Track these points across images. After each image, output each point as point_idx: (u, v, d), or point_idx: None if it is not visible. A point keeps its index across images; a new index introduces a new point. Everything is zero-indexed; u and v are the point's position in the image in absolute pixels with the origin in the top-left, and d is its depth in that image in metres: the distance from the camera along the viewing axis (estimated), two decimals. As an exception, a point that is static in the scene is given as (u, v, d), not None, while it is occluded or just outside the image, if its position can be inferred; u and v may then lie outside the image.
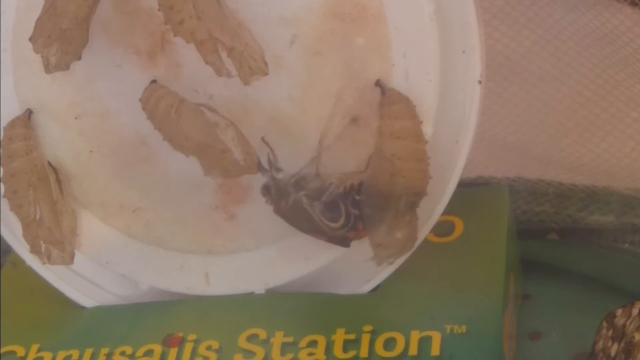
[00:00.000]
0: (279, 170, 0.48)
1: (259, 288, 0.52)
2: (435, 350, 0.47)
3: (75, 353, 0.50)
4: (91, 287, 0.54)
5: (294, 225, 0.48)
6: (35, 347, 0.51)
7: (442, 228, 0.52)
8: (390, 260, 0.47)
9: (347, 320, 0.49)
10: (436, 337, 0.48)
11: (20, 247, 0.53)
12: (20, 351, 0.51)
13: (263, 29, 0.47)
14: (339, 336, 0.49)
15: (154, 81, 0.49)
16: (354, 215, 0.47)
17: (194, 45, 0.44)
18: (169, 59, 0.49)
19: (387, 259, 0.47)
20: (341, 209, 0.47)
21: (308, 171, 0.48)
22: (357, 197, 0.47)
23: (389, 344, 0.48)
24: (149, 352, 0.50)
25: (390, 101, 0.46)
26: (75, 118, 0.51)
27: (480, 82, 0.48)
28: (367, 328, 0.49)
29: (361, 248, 0.49)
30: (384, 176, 0.46)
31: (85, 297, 0.54)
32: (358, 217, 0.47)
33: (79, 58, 0.48)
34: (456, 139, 0.48)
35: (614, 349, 0.44)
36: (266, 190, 0.48)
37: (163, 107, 0.47)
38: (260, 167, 0.47)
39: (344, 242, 0.48)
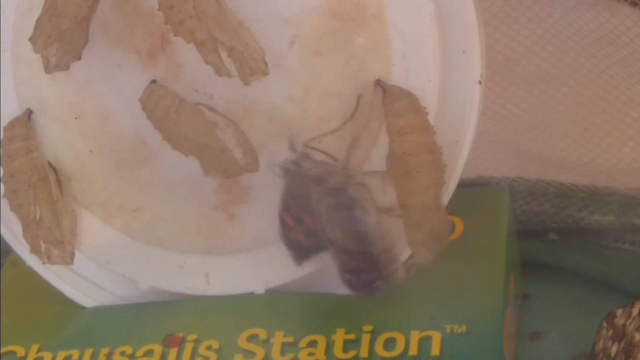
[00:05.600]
0: (306, 157, 0.46)
1: (259, 288, 0.52)
2: (435, 350, 0.47)
3: (75, 353, 0.50)
4: (91, 287, 0.54)
5: (286, 203, 0.47)
6: (35, 347, 0.51)
7: (442, 228, 0.52)
8: (429, 256, 0.47)
9: (347, 320, 0.49)
10: (436, 337, 0.48)
11: (20, 247, 0.53)
12: (20, 351, 0.51)
13: (263, 29, 0.47)
14: (339, 336, 0.49)
15: (154, 81, 0.49)
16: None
17: (194, 45, 0.44)
18: (169, 59, 0.49)
19: (426, 255, 0.47)
20: None
21: (333, 165, 0.47)
22: None
23: (389, 344, 0.48)
24: (149, 352, 0.50)
25: (391, 99, 0.46)
26: (75, 118, 0.51)
27: (480, 82, 0.48)
28: (367, 328, 0.49)
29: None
30: (398, 175, 0.46)
31: (85, 297, 0.54)
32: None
33: (79, 58, 0.48)
34: (456, 139, 0.48)
35: (614, 349, 0.44)
36: (284, 172, 0.46)
37: (162, 107, 0.47)
38: (290, 144, 0.46)
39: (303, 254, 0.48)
